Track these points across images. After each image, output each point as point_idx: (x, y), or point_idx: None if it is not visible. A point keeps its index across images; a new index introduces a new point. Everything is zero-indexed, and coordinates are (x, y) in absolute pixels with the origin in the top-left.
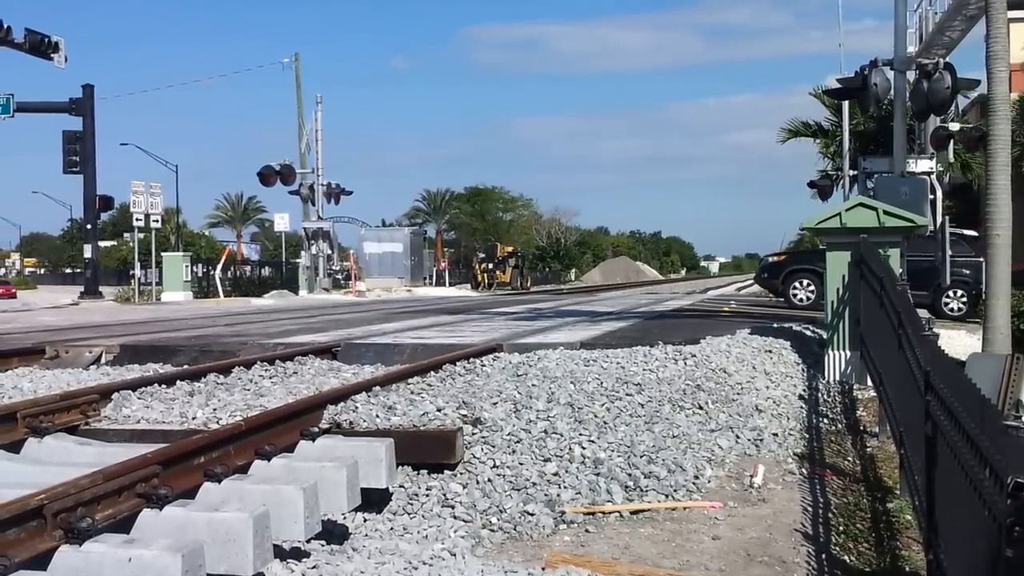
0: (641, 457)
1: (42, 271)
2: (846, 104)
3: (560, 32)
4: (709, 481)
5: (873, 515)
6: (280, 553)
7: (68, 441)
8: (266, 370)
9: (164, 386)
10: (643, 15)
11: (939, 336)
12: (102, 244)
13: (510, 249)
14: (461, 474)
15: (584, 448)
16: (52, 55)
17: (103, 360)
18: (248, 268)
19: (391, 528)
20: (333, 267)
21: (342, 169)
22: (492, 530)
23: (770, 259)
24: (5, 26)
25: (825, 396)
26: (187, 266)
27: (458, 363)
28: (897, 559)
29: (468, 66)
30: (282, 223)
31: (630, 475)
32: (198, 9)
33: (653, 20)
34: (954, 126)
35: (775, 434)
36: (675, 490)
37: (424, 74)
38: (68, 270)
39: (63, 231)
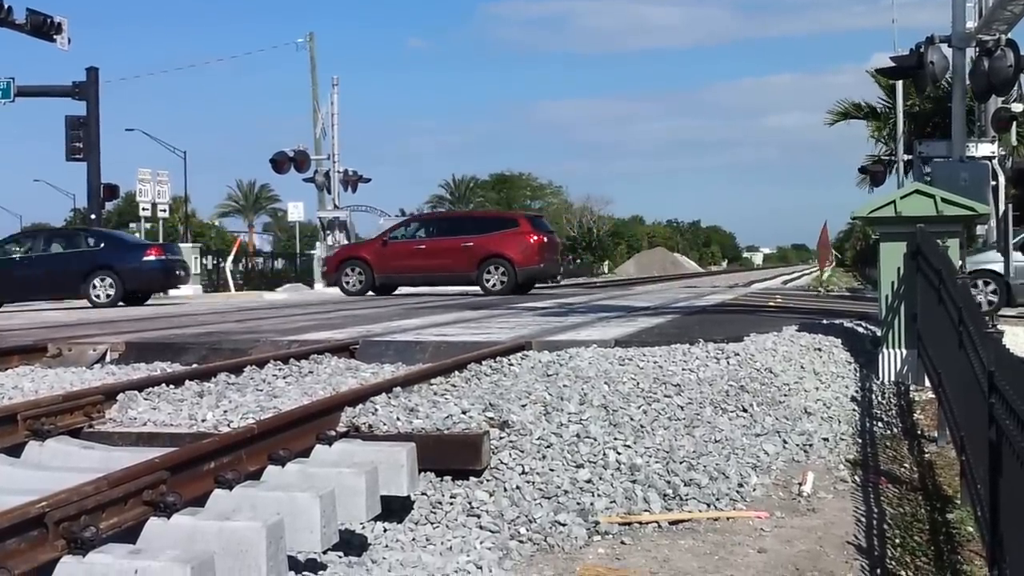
0: (681, 463)
1: None
2: (900, 84)
3: (588, 8)
4: (754, 489)
5: (932, 526)
6: (295, 565)
7: (71, 444)
8: (280, 369)
9: (172, 386)
10: None
11: (1004, 333)
12: None
13: None
14: (487, 481)
15: (619, 453)
16: (55, 36)
17: (108, 358)
18: (260, 260)
19: (413, 539)
20: None
21: (359, 155)
22: (521, 541)
23: None
24: (6, 6)
25: (879, 398)
26: (196, 258)
27: (484, 362)
28: (958, 574)
29: (490, 45)
30: (296, 212)
31: (669, 482)
32: None
33: None
34: (1017, 107)
35: (825, 439)
36: (717, 499)
37: (444, 54)
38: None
39: (66, 221)
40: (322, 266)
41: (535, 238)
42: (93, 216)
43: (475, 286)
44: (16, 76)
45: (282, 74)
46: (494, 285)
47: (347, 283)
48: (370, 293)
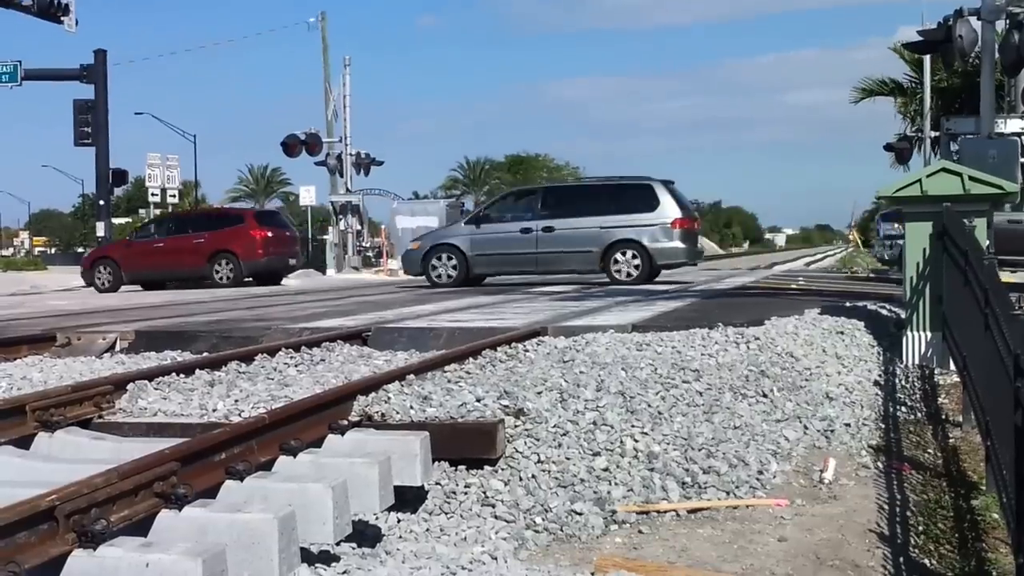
0: (699, 450)
1: (52, 250)
2: (927, 59)
3: None
4: (774, 476)
5: (956, 513)
6: (308, 557)
7: (81, 436)
8: (291, 357)
9: (182, 375)
10: None
11: None
12: (116, 221)
13: None
14: (503, 470)
15: (637, 441)
16: (62, 18)
17: (117, 347)
18: None
19: (427, 529)
20: (363, 244)
21: (371, 138)
22: (537, 531)
23: None
24: None
25: (903, 382)
26: None
27: (499, 348)
28: (983, 562)
29: (503, 22)
30: (308, 197)
31: (687, 470)
32: None
33: None
34: None
35: (847, 424)
36: (737, 487)
37: (455, 32)
38: (80, 249)
39: (75, 207)
40: (81, 265)
41: (259, 233)
42: (102, 202)
43: (207, 280)
44: (23, 59)
45: (293, 56)
46: (222, 279)
47: (98, 281)
48: (123, 289)
